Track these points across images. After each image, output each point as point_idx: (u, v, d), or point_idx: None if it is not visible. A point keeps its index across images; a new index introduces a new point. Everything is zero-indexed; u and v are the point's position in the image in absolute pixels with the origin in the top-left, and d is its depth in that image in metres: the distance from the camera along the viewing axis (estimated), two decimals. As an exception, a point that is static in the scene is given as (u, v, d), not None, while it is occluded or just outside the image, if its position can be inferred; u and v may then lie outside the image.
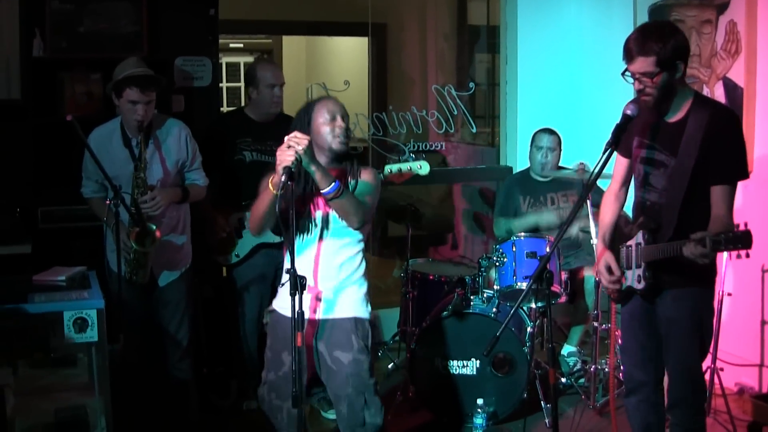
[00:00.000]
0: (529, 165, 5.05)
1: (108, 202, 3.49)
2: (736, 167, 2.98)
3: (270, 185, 3.04)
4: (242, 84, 8.58)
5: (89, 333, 3.30)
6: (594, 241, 4.31)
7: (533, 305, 4.49)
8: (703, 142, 2.93)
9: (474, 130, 5.76)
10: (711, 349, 3.89)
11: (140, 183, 3.65)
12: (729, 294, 4.20)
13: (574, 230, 4.83)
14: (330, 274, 3.22)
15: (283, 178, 2.90)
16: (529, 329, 4.41)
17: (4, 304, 3.26)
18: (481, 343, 4.01)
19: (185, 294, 3.96)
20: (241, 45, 8.98)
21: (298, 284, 2.83)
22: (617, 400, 3.95)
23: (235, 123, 4.33)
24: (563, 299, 4.57)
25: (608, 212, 3.34)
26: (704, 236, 2.73)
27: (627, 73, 2.98)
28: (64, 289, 3.52)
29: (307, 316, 3.08)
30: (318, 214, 3.20)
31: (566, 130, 5.05)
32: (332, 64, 8.62)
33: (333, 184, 3.02)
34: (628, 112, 2.94)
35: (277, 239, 3.88)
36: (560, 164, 4.93)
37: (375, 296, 5.94)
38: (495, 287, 4.46)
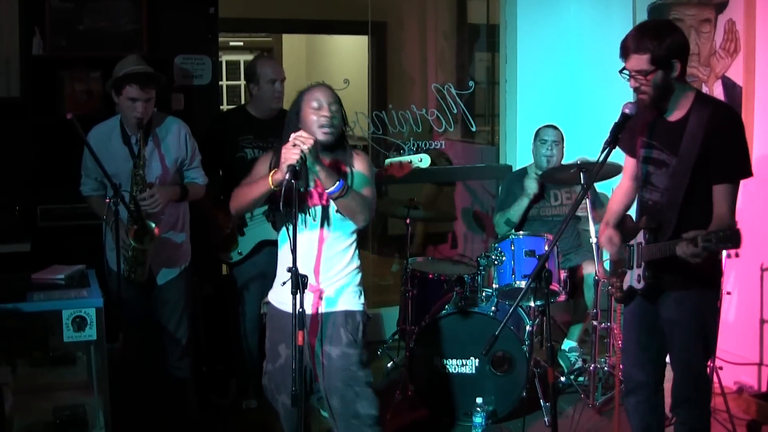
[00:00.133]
0: (530, 162, 5.05)
1: (107, 200, 3.50)
2: (738, 166, 2.96)
3: (270, 179, 3.03)
4: (242, 82, 8.59)
5: (88, 332, 3.29)
6: (593, 239, 4.31)
7: (532, 304, 4.49)
8: (704, 141, 2.92)
9: (474, 129, 5.76)
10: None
11: (139, 180, 3.66)
12: (728, 293, 4.20)
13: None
14: (325, 267, 3.20)
15: (287, 177, 2.90)
16: (528, 328, 4.41)
17: (3, 303, 3.25)
18: (480, 342, 4.01)
19: (184, 292, 3.96)
20: (241, 43, 8.97)
21: (299, 283, 2.83)
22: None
23: (237, 120, 4.33)
24: (562, 298, 4.57)
25: (616, 203, 3.34)
26: (696, 235, 2.71)
27: (625, 71, 2.98)
28: (63, 287, 3.51)
29: (309, 313, 3.10)
30: (315, 209, 3.17)
31: (566, 128, 5.05)
32: (332, 62, 8.61)
33: (338, 183, 3.01)
34: (627, 110, 2.94)
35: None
36: (562, 162, 4.93)
37: (374, 294, 5.99)
38: (494, 286, 4.47)
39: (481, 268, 4.54)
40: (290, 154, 2.92)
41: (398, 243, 5.82)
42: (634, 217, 3.28)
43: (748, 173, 2.99)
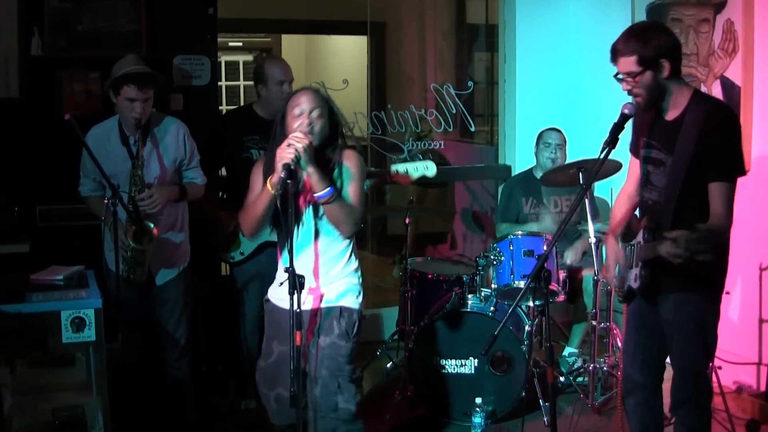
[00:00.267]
0: (531, 165, 5.05)
1: (106, 201, 3.50)
2: (733, 163, 2.95)
3: (268, 185, 3.04)
4: (242, 82, 8.60)
5: (87, 332, 3.29)
6: (592, 240, 4.30)
7: (531, 304, 4.49)
8: (698, 139, 2.91)
9: (473, 129, 5.76)
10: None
11: (138, 181, 3.66)
12: (727, 292, 4.17)
13: (568, 259, 4.78)
14: (324, 270, 3.21)
15: (282, 175, 2.90)
16: (527, 328, 4.41)
17: (2, 304, 3.25)
18: (480, 342, 4.00)
19: (183, 292, 3.96)
20: (240, 44, 8.96)
21: (297, 283, 2.84)
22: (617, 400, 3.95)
23: (243, 120, 4.31)
24: (561, 298, 4.57)
25: (620, 210, 3.32)
26: (678, 235, 2.68)
27: (618, 75, 2.99)
28: (62, 288, 3.51)
29: (307, 309, 3.10)
30: (307, 214, 3.18)
31: (565, 128, 5.06)
32: (331, 62, 8.61)
33: (328, 189, 3.03)
34: (626, 111, 2.94)
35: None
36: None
37: (374, 295, 5.98)
38: (493, 286, 4.47)
39: (479, 268, 4.54)
40: (285, 153, 2.94)
41: (398, 243, 5.81)
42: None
43: (742, 171, 2.97)
